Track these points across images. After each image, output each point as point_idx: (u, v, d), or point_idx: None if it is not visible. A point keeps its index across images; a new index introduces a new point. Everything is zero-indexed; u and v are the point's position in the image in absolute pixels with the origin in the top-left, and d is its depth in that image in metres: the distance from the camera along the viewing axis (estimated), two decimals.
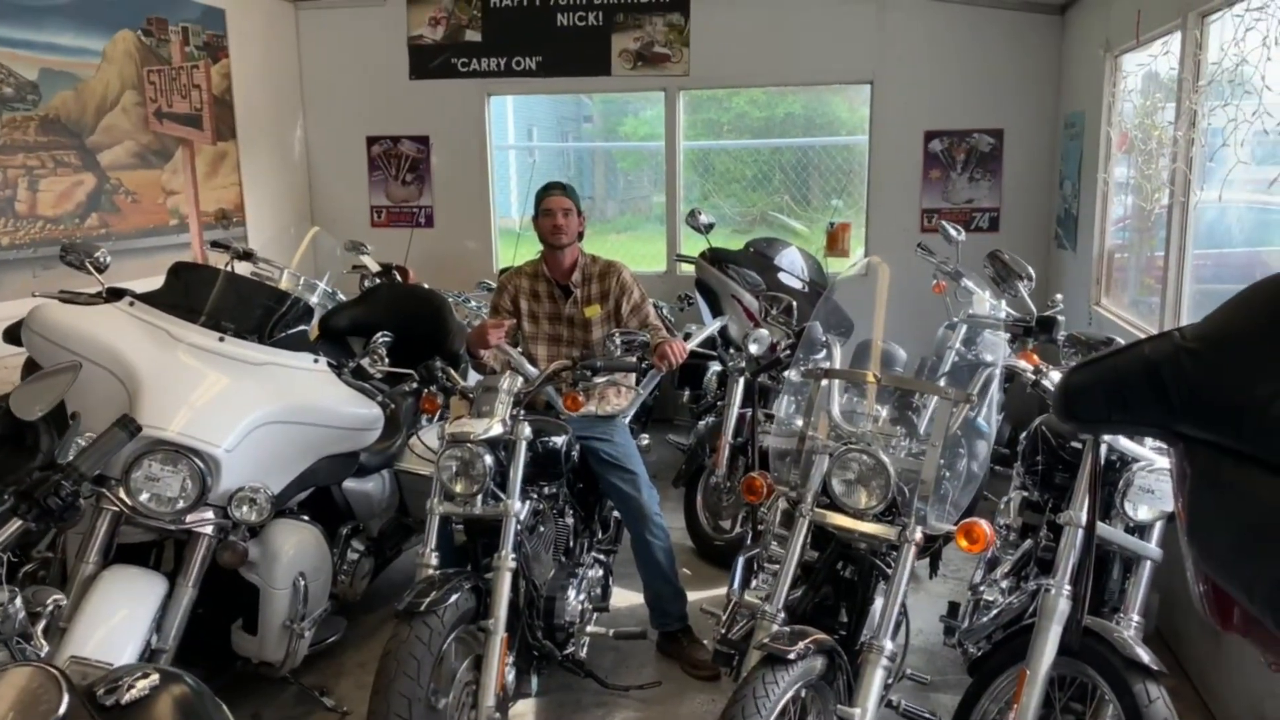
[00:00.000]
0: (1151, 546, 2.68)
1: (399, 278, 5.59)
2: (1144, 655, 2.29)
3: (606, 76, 6.50)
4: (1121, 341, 3.12)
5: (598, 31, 6.41)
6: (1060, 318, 3.15)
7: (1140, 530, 2.70)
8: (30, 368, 3.34)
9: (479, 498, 2.89)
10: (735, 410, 4.35)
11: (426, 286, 4.99)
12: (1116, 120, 4.95)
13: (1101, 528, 2.53)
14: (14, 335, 3.67)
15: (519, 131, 9.87)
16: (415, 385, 3.35)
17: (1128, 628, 2.59)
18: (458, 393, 3.16)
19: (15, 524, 1.72)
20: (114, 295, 3.14)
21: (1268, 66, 3.27)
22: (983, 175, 6.23)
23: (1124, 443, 2.64)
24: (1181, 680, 3.32)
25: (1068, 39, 5.89)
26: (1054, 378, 2.75)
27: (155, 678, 1.56)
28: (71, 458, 1.95)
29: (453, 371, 3.23)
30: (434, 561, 2.86)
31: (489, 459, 2.86)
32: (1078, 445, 2.68)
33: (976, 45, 6.08)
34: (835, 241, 6.47)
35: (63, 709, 1.36)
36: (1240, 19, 3.21)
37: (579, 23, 6.42)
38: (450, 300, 4.65)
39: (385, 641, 2.57)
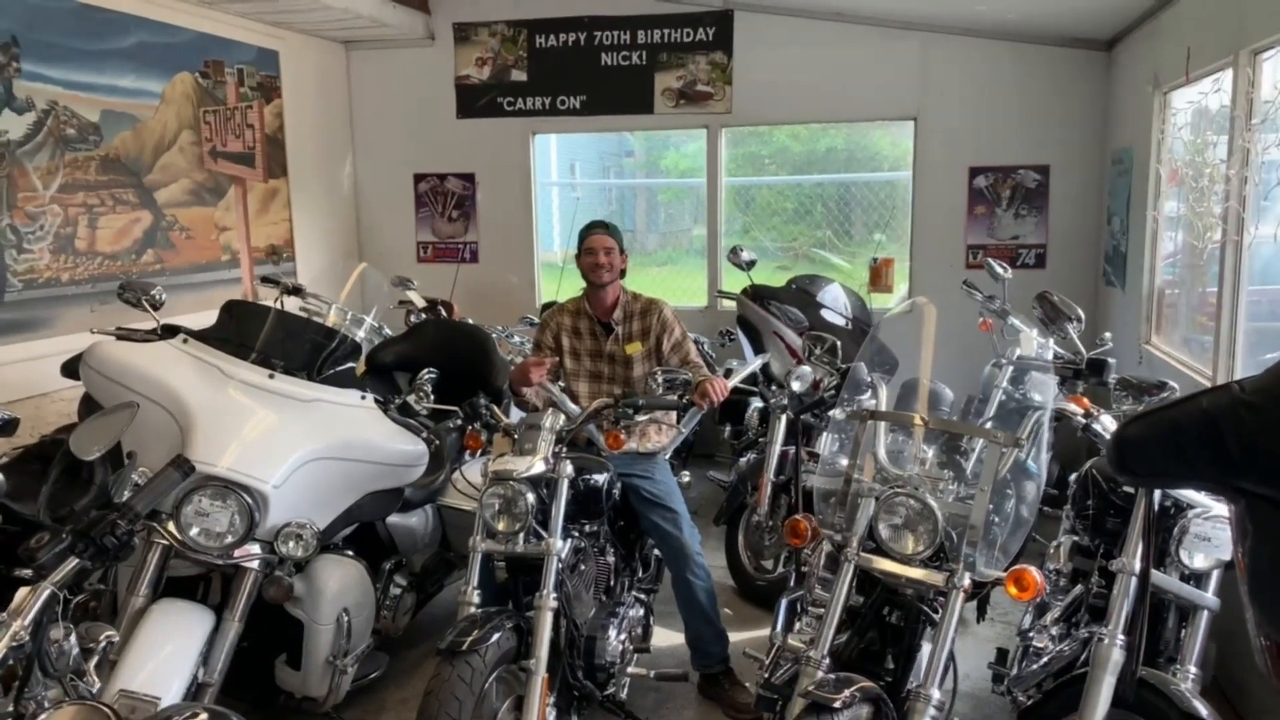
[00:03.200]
0: (1208, 596, 2.61)
1: (444, 313, 5.65)
2: (1202, 709, 2.22)
3: (649, 114, 6.57)
4: (1174, 385, 3.07)
5: (641, 70, 6.49)
6: (1111, 360, 3.09)
7: (1196, 579, 2.63)
8: (87, 402, 3.42)
9: (521, 536, 2.89)
10: (778, 448, 4.32)
11: (471, 322, 5.04)
12: (1166, 157, 4.89)
13: (1156, 576, 2.46)
14: (72, 369, 3.76)
15: (561, 168, 9.97)
16: (459, 422, 3.37)
17: (1184, 679, 2.52)
18: (501, 429, 3.18)
19: (72, 563, 1.75)
20: (168, 332, 3.21)
21: None
22: (1029, 212, 6.17)
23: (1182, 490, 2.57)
24: None
25: (1115, 75, 5.84)
26: (1105, 422, 2.70)
27: (203, 717, 1.57)
28: (127, 496, 1.98)
29: (496, 409, 3.26)
30: (476, 599, 2.86)
31: (531, 497, 2.87)
32: (1130, 490, 2.61)
33: (1022, 81, 6.06)
34: (878, 277, 6.44)
35: None
36: None
37: (623, 62, 6.51)
38: (494, 335, 4.69)
39: (427, 679, 2.57)
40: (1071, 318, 3.48)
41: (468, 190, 6.99)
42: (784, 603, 3.21)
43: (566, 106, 6.66)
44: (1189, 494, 2.59)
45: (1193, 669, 2.57)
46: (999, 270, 4.73)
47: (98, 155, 4.97)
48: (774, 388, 4.89)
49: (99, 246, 4.99)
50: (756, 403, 5.27)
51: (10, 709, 1.64)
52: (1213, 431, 1.23)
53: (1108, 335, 4.42)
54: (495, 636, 2.63)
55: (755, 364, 4.98)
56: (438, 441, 3.52)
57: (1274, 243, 3.63)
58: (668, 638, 3.88)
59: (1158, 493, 2.49)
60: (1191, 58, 4.21)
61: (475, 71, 6.79)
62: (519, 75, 6.72)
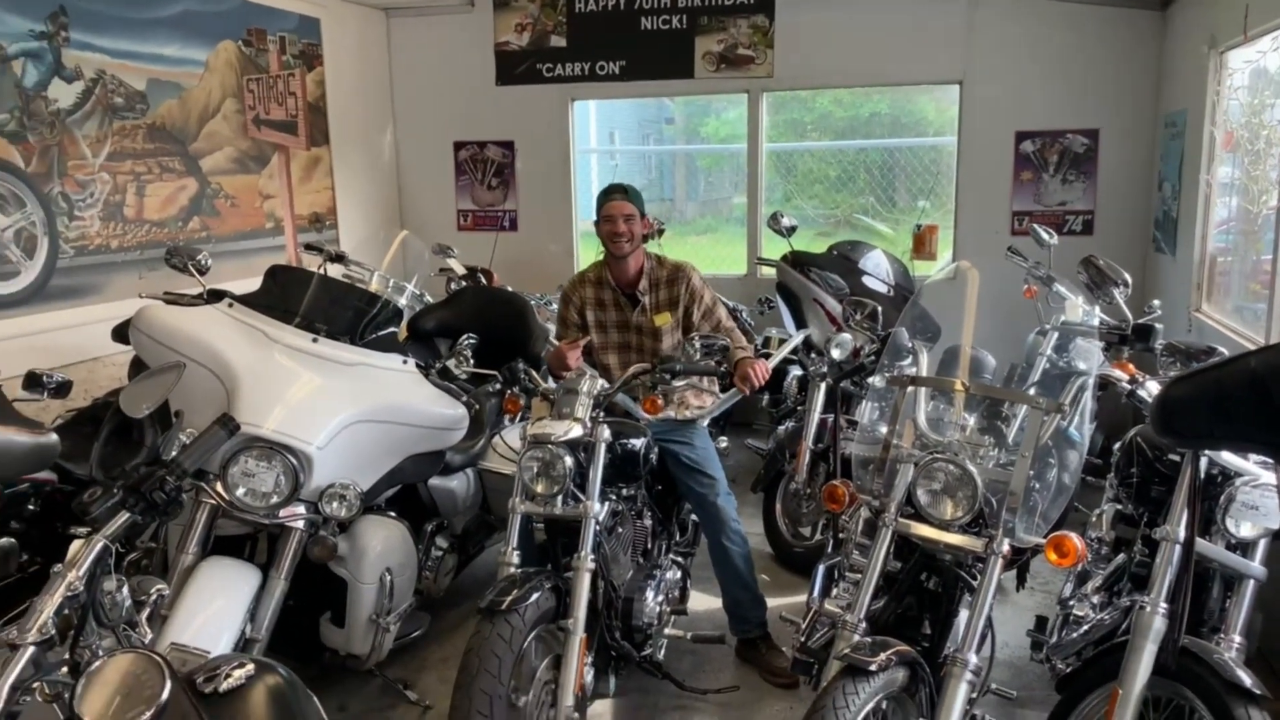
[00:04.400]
0: (1255, 565, 2.56)
1: (483, 280, 5.68)
2: (1246, 678, 2.19)
3: (689, 79, 6.50)
4: (1224, 351, 3.00)
5: (681, 35, 6.42)
6: (1158, 326, 3.03)
7: (1242, 548, 2.59)
8: (137, 366, 3.50)
9: (559, 498, 2.92)
10: (816, 416, 4.31)
11: (510, 289, 5.06)
12: (1221, 119, 4.75)
13: (1201, 544, 2.43)
14: (122, 334, 3.86)
15: (600, 135, 9.93)
16: (499, 386, 3.40)
17: (1228, 649, 2.49)
18: (539, 394, 3.20)
19: (124, 516, 1.80)
20: (214, 297, 3.27)
21: None
22: (1076, 177, 6.04)
23: (1226, 456, 2.53)
24: None
25: (1169, 35, 5.68)
26: (1151, 388, 2.65)
27: (251, 668, 1.62)
28: (175, 454, 2.03)
29: (534, 373, 3.27)
30: (515, 560, 2.90)
31: (569, 460, 2.89)
32: (1176, 458, 2.58)
33: (1071, 43, 5.91)
34: (922, 244, 6.35)
35: (165, 695, 1.42)
36: None
37: (662, 26, 6.44)
38: (533, 302, 4.71)
39: (468, 638, 2.62)
40: (1118, 282, 3.41)
41: (507, 158, 7.00)
42: (821, 568, 3.22)
43: (606, 72, 6.61)
44: (1236, 461, 2.54)
45: (1237, 638, 2.54)
46: (1045, 236, 4.65)
47: (144, 124, 5.04)
48: (813, 355, 4.87)
49: (146, 214, 5.07)
50: (795, 371, 5.25)
51: (66, 656, 1.69)
52: (1261, 391, 1.20)
53: (1156, 303, 4.33)
54: (534, 596, 2.67)
55: (795, 340, 4.95)
56: (477, 406, 3.55)
57: None
58: (705, 602, 3.90)
59: (1204, 460, 2.45)
60: (1250, 15, 4.08)
61: (514, 38, 6.76)
62: (558, 41, 6.68)
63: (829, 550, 3.39)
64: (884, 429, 2.78)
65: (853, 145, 8.62)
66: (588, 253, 7.00)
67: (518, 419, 3.99)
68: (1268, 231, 4.01)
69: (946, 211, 6.59)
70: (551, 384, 3.27)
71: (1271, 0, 3.86)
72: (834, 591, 3.04)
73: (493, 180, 7.04)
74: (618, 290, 3.63)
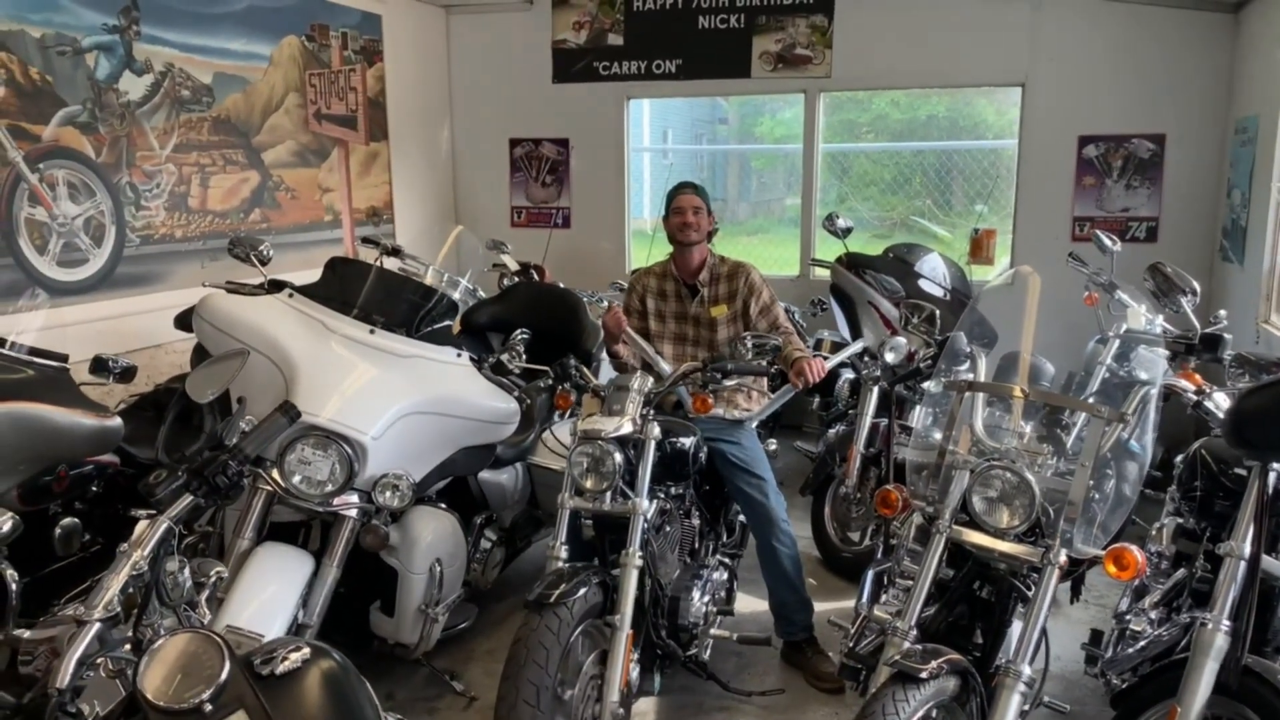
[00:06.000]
0: None
1: (536, 277, 5.71)
2: None
3: (746, 79, 6.48)
4: None
5: (738, 34, 6.40)
6: (1227, 336, 2.95)
7: None
8: (199, 353, 3.57)
9: (608, 494, 2.93)
10: (868, 419, 4.27)
11: (562, 286, 5.09)
12: None
13: (1267, 561, 2.35)
14: (184, 322, 3.94)
15: (654, 134, 9.94)
16: (550, 382, 3.42)
17: None
18: (590, 390, 3.21)
19: (187, 499, 1.84)
20: (275, 287, 3.33)
21: None
22: (1141, 183, 5.90)
23: None
24: None
25: (1241, 39, 5.52)
26: (1218, 400, 2.58)
27: (307, 651, 1.64)
28: (237, 440, 2.07)
29: (586, 370, 3.29)
30: (563, 554, 2.91)
31: (619, 457, 2.90)
32: (1242, 472, 2.50)
33: (1138, 46, 5.77)
34: (979, 249, 6.26)
35: (224, 675, 1.45)
36: None
37: (720, 25, 6.42)
38: (584, 300, 4.73)
39: (513, 632, 2.63)
40: (1186, 290, 3.32)
41: (562, 155, 7.03)
42: (870, 574, 3.19)
43: (662, 71, 6.62)
44: None
45: None
46: (1107, 243, 4.55)
47: (210, 116, 5.15)
48: (866, 358, 4.82)
49: (210, 205, 5.18)
50: (848, 374, 5.20)
51: (130, 634, 1.74)
52: None
53: (1222, 313, 4.21)
54: (582, 591, 2.68)
55: (854, 348, 4.91)
56: (529, 400, 3.58)
57: None
58: (751, 604, 3.89)
59: (1272, 475, 2.38)
60: None
61: (572, 35, 6.79)
62: (615, 39, 6.69)
63: (878, 556, 3.36)
64: (939, 434, 2.74)
65: (910, 147, 8.55)
66: (639, 251, 7.01)
67: (568, 415, 4.01)
68: None
69: (1004, 216, 6.48)
70: (603, 380, 3.28)
71: None
72: (883, 598, 3.01)
73: (547, 177, 7.08)
74: (679, 281, 3.72)
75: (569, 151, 7.00)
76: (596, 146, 6.93)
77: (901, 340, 4.22)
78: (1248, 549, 2.28)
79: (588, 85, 6.80)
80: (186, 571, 1.84)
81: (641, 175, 8.35)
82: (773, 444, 4.14)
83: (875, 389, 4.27)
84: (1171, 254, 5.40)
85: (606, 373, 3.92)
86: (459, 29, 7.05)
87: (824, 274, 5.85)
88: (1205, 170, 5.75)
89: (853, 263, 5.40)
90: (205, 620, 1.93)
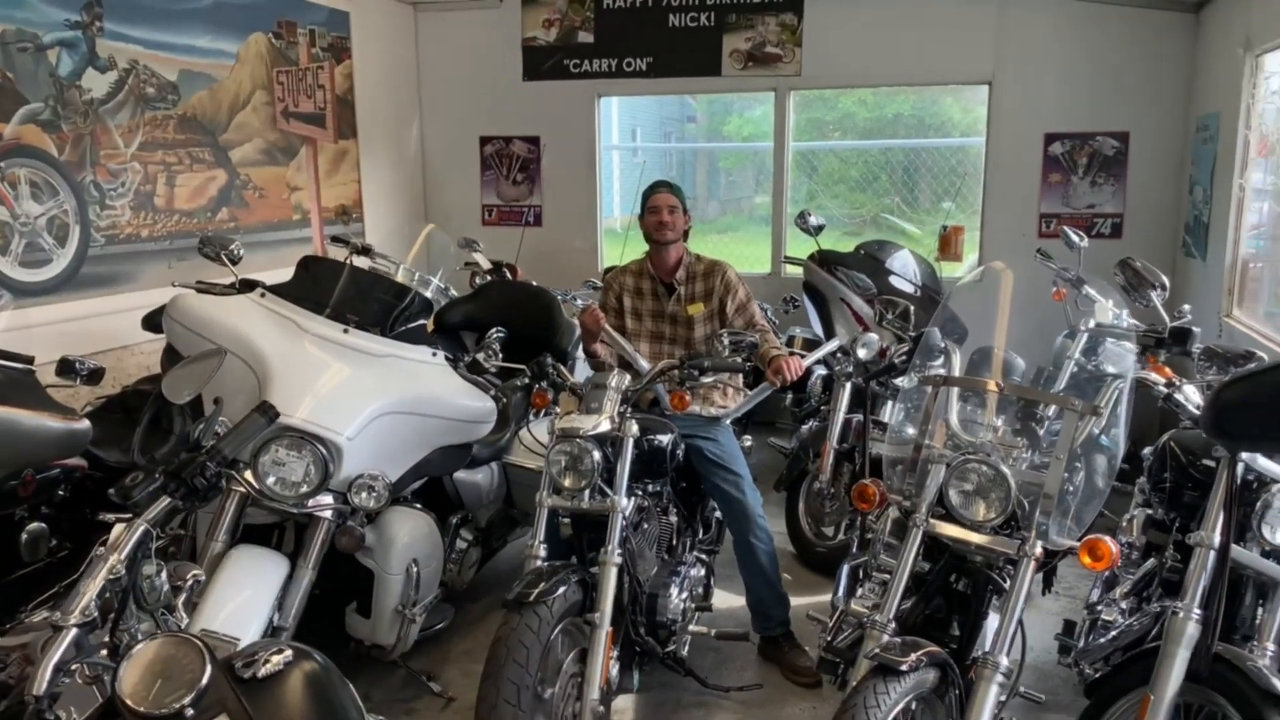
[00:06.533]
0: None
1: (509, 275, 5.69)
2: None
3: (717, 77, 6.49)
4: (1263, 356, 2.97)
5: (709, 32, 6.41)
6: (1195, 329, 3.01)
7: (1278, 555, 2.56)
8: (169, 355, 3.52)
9: (586, 492, 2.92)
10: (841, 415, 4.30)
11: (536, 284, 5.07)
12: (1255, 123, 4.70)
13: (1235, 550, 2.40)
14: (152, 323, 3.89)
15: (623, 132, 9.95)
16: (526, 380, 3.41)
17: (1262, 656, 2.46)
18: (567, 389, 3.20)
19: (164, 501, 1.82)
20: (247, 286, 3.29)
21: None
22: (1105, 180, 5.99)
23: (1263, 462, 2.50)
24: None
25: (1202, 37, 5.62)
26: (1188, 392, 2.62)
27: (289, 654, 1.62)
28: (214, 441, 2.05)
29: (562, 368, 3.28)
30: (542, 553, 2.90)
31: (597, 454, 2.89)
32: (1210, 463, 2.55)
33: (1102, 44, 5.86)
34: (948, 245, 6.32)
35: (205, 679, 1.43)
36: None
37: (690, 23, 6.43)
38: (558, 298, 4.71)
39: (491, 632, 2.62)
40: (1155, 285, 3.38)
41: (533, 153, 7.01)
42: (846, 568, 3.22)
43: (632, 68, 6.62)
44: (1273, 467, 2.51)
45: (1271, 646, 2.51)
46: (1075, 239, 4.61)
47: (175, 114, 5.08)
48: (839, 355, 4.85)
49: (176, 204, 5.11)
50: (820, 370, 5.23)
51: (106, 639, 1.71)
52: None
53: (1187, 307, 4.27)
54: (561, 589, 2.67)
55: (831, 345, 4.93)
56: (505, 399, 3.56)
57: None
58: (729, 600, 3.90)
59: (1240, 465, 2.43)
60: None
61: (542, 33, 6.77)
62: (585, 37, 6.68)
63: (853, 550, 3.38)
64: (913, 429, 2.77)
65: (879, 145, 8.61)
66: (613, 249, 7.00)
67: (544, 414, 4.00)
68: None
69: (972, 213, 6.55)
70: (579, 378, 3.28)
71: None
72: (859, 592, 3.03)
73: (518, 175, 7.06)
74: (656, 280, 3.74)
75: (540, 149, 6.98)
76: (567, 144, 6.91)
77: (874, 337, 4.25)
78: (1217, 539, 2.32)
79: (558, 83, 6.79)
80: (164, 575, 1.81)
81: (611, 174, 8.35)
82: (748, 440, 4.15)
83: (848, 385, 4.30)
84: (1136, 249, 5.48)
85: (583, 371, 3.91)
86: (428, 26, 7.01)
87: (795, 271, 5.88)
88: (1168, 167, 5.85)
89: (825, 260, 5.44)
90: (182, 625, 1.90)
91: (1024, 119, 6.07)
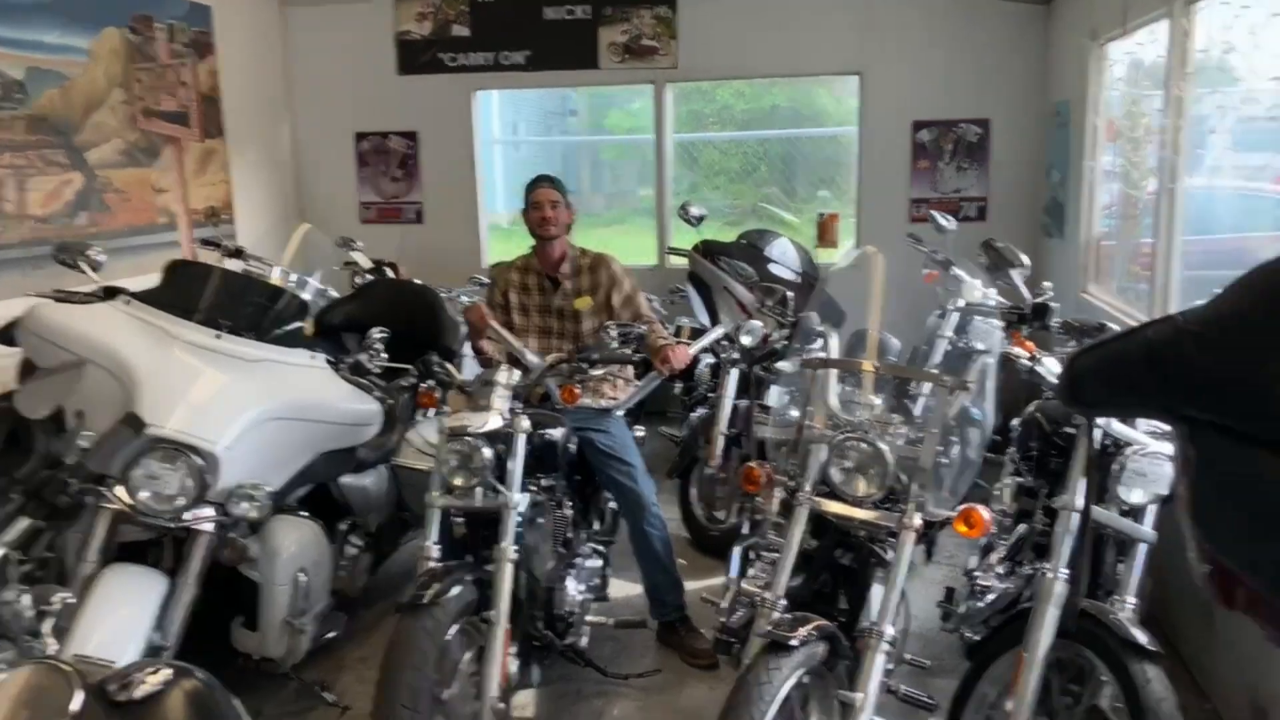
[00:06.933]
0: (1146, 529, 2.71)
1: (391, 274, 5.57)
2: (1141, 636, 2.32)
3: (594, 70, 6.50)
4: (1115, 327, 3.16)
5: (585, 25, 6.41)
6: (1054, 304, 3.18)
7: (1134, 513, 2.73)
8: (27, 368, 3.32)
9: (478, 490, 2.90)
10: (729, 402, 4.37)
11: (420, 282, 4.98)
12: (1103, 109, 4.99)
13: (1096, 511, 2.55)
14: (4, 336, 3.65)
15: (504, 126, 9.86)
16: (413, 380, 3.36)
17: (1123, 610, 2.62)
18: (455, 387, 3.17)
19: (22, 522, 1.72)
20: (109, 294, 3.13)
21: (1254, 55, 3.30)
22: (970, 165, 6.26)
23: (1117, 427, 2.66)
24: (1175, 661, 3.36)
25: (1053, 28, 5.92)
26: (1049, 364, 2.77)
27: (168, 673, 1.56)
28: (76, 457, 1.94)
29: (449, 366, 3.24)
30: (435, 554, 2.87)
31: (488, 452, 2.87)
32: (1071, 430, 2.70)
33: (964, 36, 6.11)
34: (825, 232, 6.50)
35: (75, 705, 1.37)
36: (1227, 4, 3.24)
37: (566, 16, 6.42)
38: (443, 295, 4.65)
39: (386, 637, 2.58)
40: (1015, 264, 3.56)
41: (411, 149, 6.87)
42: (737, 550, 3.28)
43: (510, 62, 6.56)
44: (1127, 431, 2.68)
45: (1131, 599, 2.67)
46: (943, 222, 4.80)
47: (24, 114, 4.78)
48: (725, 342, 4.94)
49: (29, 209, 4.82)
50: (708, 358, 5.31)
51: None
52: (1157, 360, 1.27)
53: (1047, 284, 4.51)
54: (456, 590, 2.65)
55: (715, 334, 5.00)
56: (391, 400, 3.50)
57: (1207, 192, 3.74)
58: (626, 588, 3.93)
59: (1098, 431, 2.58)
60: (1129, 9, 4.29)
61: (416, 26, 6.64)
62: (461, 30, 6.59)
63: (744, 532, 3.45)
64: (795, 412, 2.85)
65: (757, 136, 8.76)
66: (496, 245, 6.95)
67: (432, 413, 3.94)
68: (1147, 216, 4.23)
69: (847, 200, 6.75)
70: (467, 376, 3.25)
71: None
72: (750, 572, 3.10)
73: (397, 172, 6.91)
74: (541, 274, 3.72)
75: (418, 145, 6.85)
76: (446, 140, 6.81)
77: (757, 324, 4.35)
78: (1079, 501, 2.47)
79: (434, 77, 6.67)
80: (26, 599, 1.72)
81: (493, 168, 8.27)
82: (640, 431, 4.19)
83: (734, 372, 4.38)
84: (1000, 231, 5.75)
85: (471, 369, 3.87)
86: (297, 21, 6.79)
87: (680, 262, 5.95)
88: (1027, 152, 6.14)
89: (708, 250, 5.52)
90: (51, 651, 1.81)
91: (893, 108, 6.28)
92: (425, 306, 4.18)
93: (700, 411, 4.76)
